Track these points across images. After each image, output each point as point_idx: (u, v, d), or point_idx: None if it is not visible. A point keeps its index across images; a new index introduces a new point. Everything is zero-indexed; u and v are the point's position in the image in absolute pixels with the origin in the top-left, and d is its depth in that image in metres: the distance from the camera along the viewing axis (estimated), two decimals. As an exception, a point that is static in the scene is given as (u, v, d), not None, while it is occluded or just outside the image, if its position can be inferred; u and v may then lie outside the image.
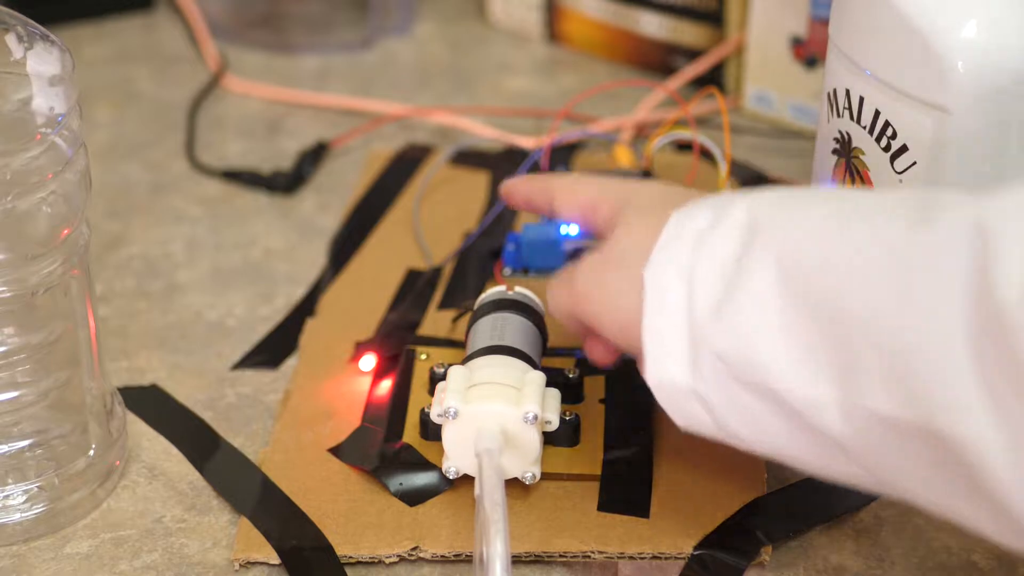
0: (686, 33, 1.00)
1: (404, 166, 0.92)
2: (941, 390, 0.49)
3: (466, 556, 0.64)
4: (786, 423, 0.55)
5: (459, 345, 0.74)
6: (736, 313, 0.55)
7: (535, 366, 0.68)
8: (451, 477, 0.66)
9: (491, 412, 0.64)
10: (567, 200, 0.66)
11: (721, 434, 0.58)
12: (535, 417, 0.64)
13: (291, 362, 0.77)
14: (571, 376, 0.71)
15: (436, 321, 0.78)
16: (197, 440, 0.72)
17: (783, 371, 0.54)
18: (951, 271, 0.49)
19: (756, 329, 0.54)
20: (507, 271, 0.82)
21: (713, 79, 0.99)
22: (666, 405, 0.59)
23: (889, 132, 0.64)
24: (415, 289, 0.81)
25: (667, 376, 0.57)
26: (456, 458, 0.66)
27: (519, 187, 0.70)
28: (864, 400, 0.51)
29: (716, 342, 0.55)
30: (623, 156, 0.89)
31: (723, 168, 0.81)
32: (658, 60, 1.02)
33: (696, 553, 0.63)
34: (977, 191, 0.51)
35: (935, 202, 0.52)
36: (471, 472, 0.65)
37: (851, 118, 0.66)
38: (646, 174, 0.87)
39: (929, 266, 0.50)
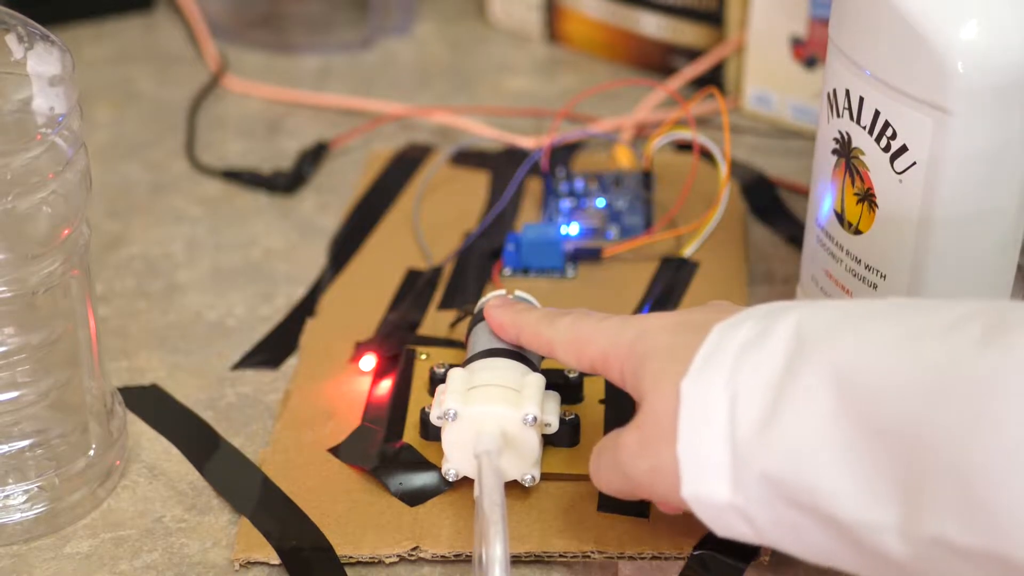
0: (686, 33, 1.00)
1: (404, 166, 0.92)
2: (1017, 518, 0.47)
3: (466, 556, 0.64)
4: (837, 542, 0.52)
5: (459, 345, 0.74)
6: (785, 431, 0.52)
7: (534, 368, 0.68)
8: (451, 479, 0.66)
9: (490, 414, 0.64)
10: (570, 355, 0.63)
11: (763, 543, 0.56)
12: (534, 419, 0.64)
13: (291, 362, 0.77)
14: (571, 377, 0.71)
15: (436, 321, 0.78)
16: (197, 440, 0.72)
17: (837, 494, 0.51)
18: None
19: (808, 449, 0.52)
20: (507, 271, 0.82)
21: (713, 79, 0.99)
22: (702, 516, 0.56)
23: (889, 132, 0.64)
24: (415, 289, 0.81)
25: (705, 491, 0.55)
26: (456, 460, 0.66)
27: (506, 327, 0.66)
28: (929, 526, 0.49)
29: (762, 460, 0.53)
30: (623, 156, 0.89)
31: (723, 168, 0.81)
32: (658, 60, 1.02)
33: (696, 553, 0.63)
34: None
35: (1009, 318, 0.50)
36: (470, 474, 0.65)
37: (851, 118, 0.66)
38: (646, 174, 0.87)
39: (1006, 388, 0.48)
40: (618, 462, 0.59)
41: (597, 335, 0.61)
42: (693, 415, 0.55)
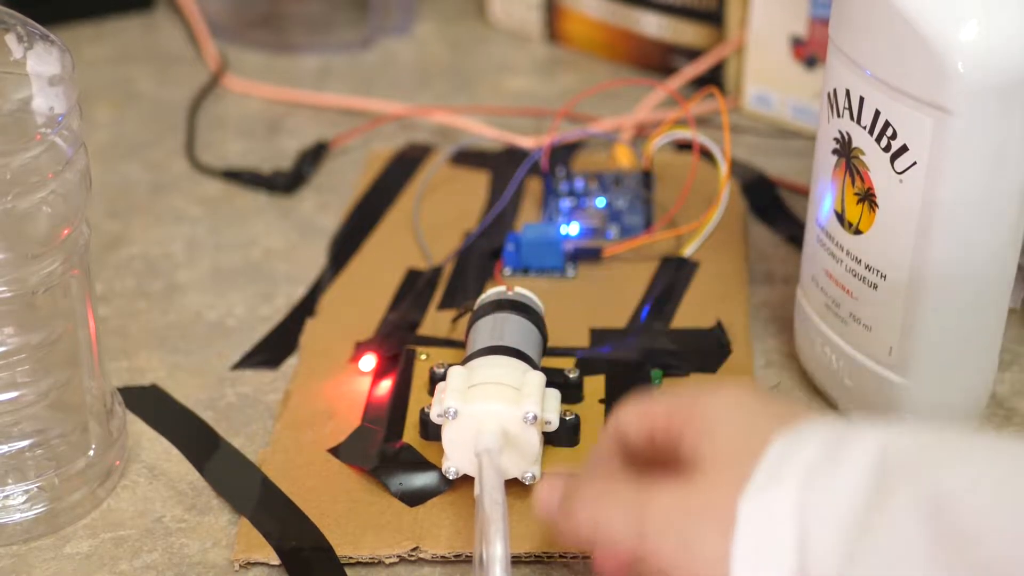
0: (686, 33, 1.00)
1: (404, 166, 0.92)
2: None
3: (466, 556, 0.64)
4: None
5: (459, 345, 0.74)
6: (869, 568, 0.46)
7: (535, 366, 0.68)
8: (451, 477, 0.66)
9: (491, 412, 0.64)
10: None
11: None
12: (535, 417, 0.64)
13: (291, 362, 0.77)
14: (571, 376, 0.71)
15: (436, 321, 0.78)
16: (197, 440, 0.72)
17: None
18: None
19: None
20: (507, 271, 0.82)
21: (713, 79, 0.99)
22: None
23: (889, 132, 0.64)
24: (415, 289, 0.81)
25: None
26: (456, 458, 0.66)
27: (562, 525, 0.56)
28: None
29: None
30: (623, 156, 0.89)
31: (723, 168, 0.81)
32: (658, 60, 1.02)
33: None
34: None
35: None
36: (471, 472, 0.65)
37: (851, 118, 0.66)
38: (646, 174, 0.87)
39: None
40: (643, 514, 0.51)
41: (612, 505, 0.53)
42: (751, 542, 0.48)
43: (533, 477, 0.65)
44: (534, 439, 0.65)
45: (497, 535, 0.57)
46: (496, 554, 0.56)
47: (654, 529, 0.51)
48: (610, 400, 0.71)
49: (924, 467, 0.47)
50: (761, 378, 0.75)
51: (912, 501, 0.46)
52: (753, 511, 0.49)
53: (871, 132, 0.65)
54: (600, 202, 0.86)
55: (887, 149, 0.65)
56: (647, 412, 0.55)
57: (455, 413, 0.64)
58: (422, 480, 0.67)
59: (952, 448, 0.48)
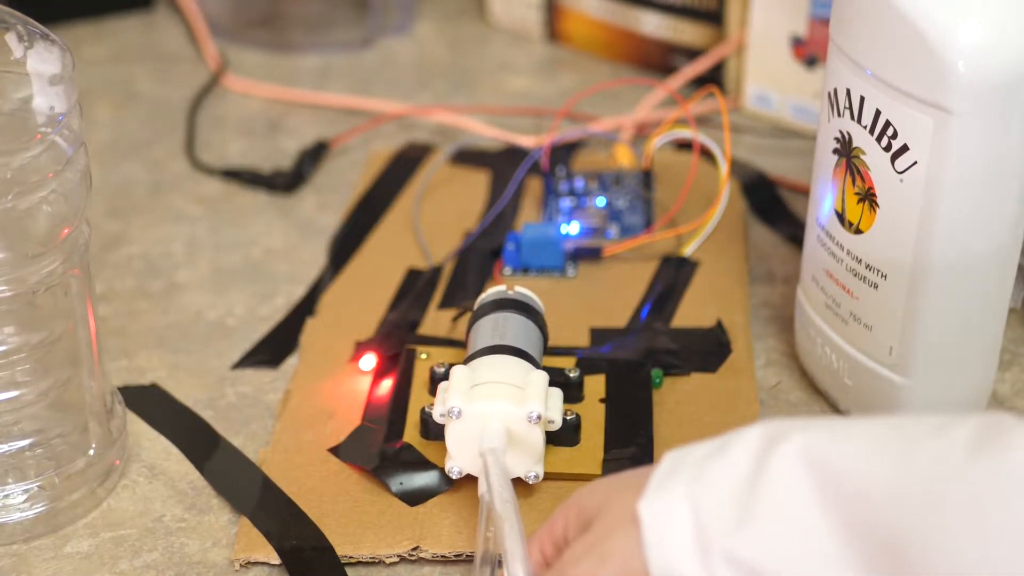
0: (686, 33, 1.00)
1: (404, 165, 0.92)
2: None
3: (467, 556, 0.64)
4: None
5: (459, 345, 0.74)
6: (760, 530, 0.51)
7: (537, 366, 0.68)
8: (454, 477, 0.66)
9: (495, 411, 0.64)
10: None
11: None
12: (539, 416, 0.64)
13: (291, 362, 0.77)
14: (572, 376, 0.71)
15: (436, 321, 0.78)
16: (197, 440, 0.72)
17: None
18: None
19: (785, 549, 0.51)
20: (507, 270, 0.82)
21: (713, 79, 0.98)
22: None
23: (890, 132, 0.64)
24: (415, 289, 0.81)
25: None
26: (459, 458, 0.65)
27: None
28: None
29: (740, 562, 0.51)
30: (623, 155, 0.89)
31: (723, 167, 0.81)
32: (658, 60, 1.02)
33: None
34: None
35: (1000, 424, 0.49)
36: (474, 472, 0.65)
37: (852, 118, 0.66)
38: (646, 173, 0.87)
39: (1010, 493, 0.47)
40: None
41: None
42: (655, 535, 0.53)
43: (536, 476, 0.65)
44: (538, 438, 0.65)
45: (512, 534, 0.56)
46: (514, 553, 0.56)
47: (572, 564, 0.55)
48: (610, 400, 0.71)
49: (797, 431, 0.52)
50: (761, 378, 0.75)
51: (789, 456, 0.51)
52: (649, 508, 0.53)
53: (871, 132, 0.65)
54: (600, 202, 0.86)
55: (887, 149, 0.65)
56: (547, 532, 0.58)
57: (459, 412, 0.64)
58: (422, 479, 0.67)
59: (821, 422, 0.53)
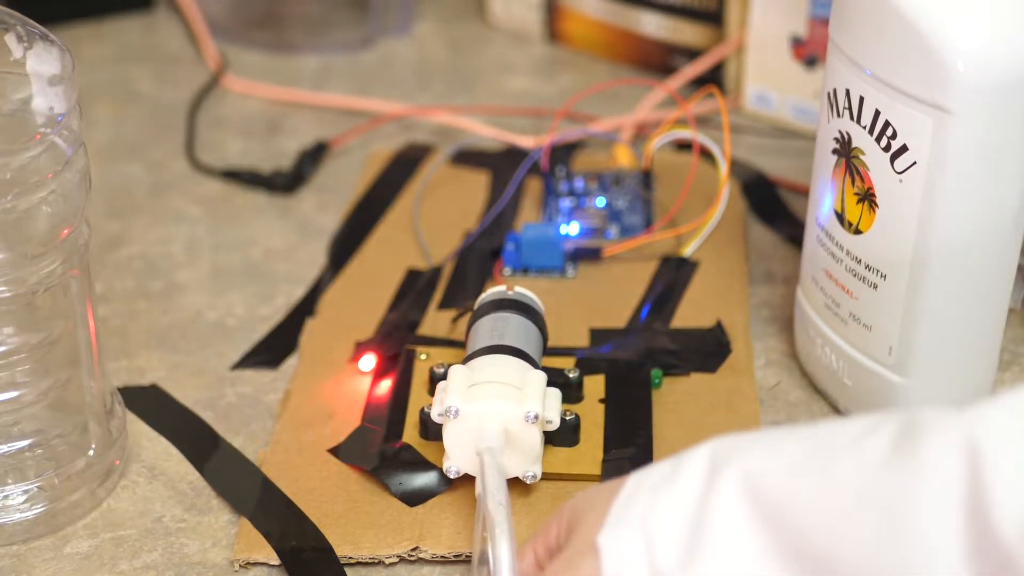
0: (686, 33, 1.00)
1: (404, 166, 0.92)
2: None
3: (466, 556, 0.64)
4: None
5: (459, 345, 0.74)
6: (707, 564, 0.52)
7: (535, 366, 0.68)
8: (452, 476, 0.66)
9: (493, 411, 0.64)
10: None
11: None
12: (536, 416, 0.64)
13: (291, 362, 0.77)
14: (571, 376, 0.71)
15: (436, 321, 0.78)
16: (197, 440, 0.72)
17: None
18: (944, 501, 0.47)
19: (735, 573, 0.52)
20: (507, 271, 0.82)
21: (713, 79, 0.98)
22: None
23: (889, 132, 0.64)
24: (415, 289, 0.81)
25: None
26: (457, 457, 0.65)
27: None
28: None
29: None
30: (623, 155, 0.89)
31: (723, 168, 0.81)
32: (658, 60, 1.02)
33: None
34: (960, 407, 0.49)
35: (918, 424, 0.49)
36: (472, 471, 0.65)
37: (851, 118, 0.66)
38: (646, 174, 0.87)
39: (919, 496, 0.48)
40: None
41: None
42: (611, 567, 0.54)
43: (534, 476, 0.65)
44: (535, 438, 0.65)
45: (502, 535, 0.57)
46: (502, 555, 0.56)
47: None
48: (610, 400, 0.71)
49: (739, 456, 0.53)
50: (761, 378, 0.75)
51: (730, 488, 0.52)
52: (608, 540, 0.54)
53: (871, 132, 0.65)
54: (600, 202, 0.86)
55: (887, 149, 0.65)
56: (542, 537, 0.59)
57: (456, 412, 0.64)
58: (422, 480, 0.67)
59: (765, 439, 0.54)
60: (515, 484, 0.66)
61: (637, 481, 0.56)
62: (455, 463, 0.66)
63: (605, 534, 0.55)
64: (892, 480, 0.49)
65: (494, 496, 0.59)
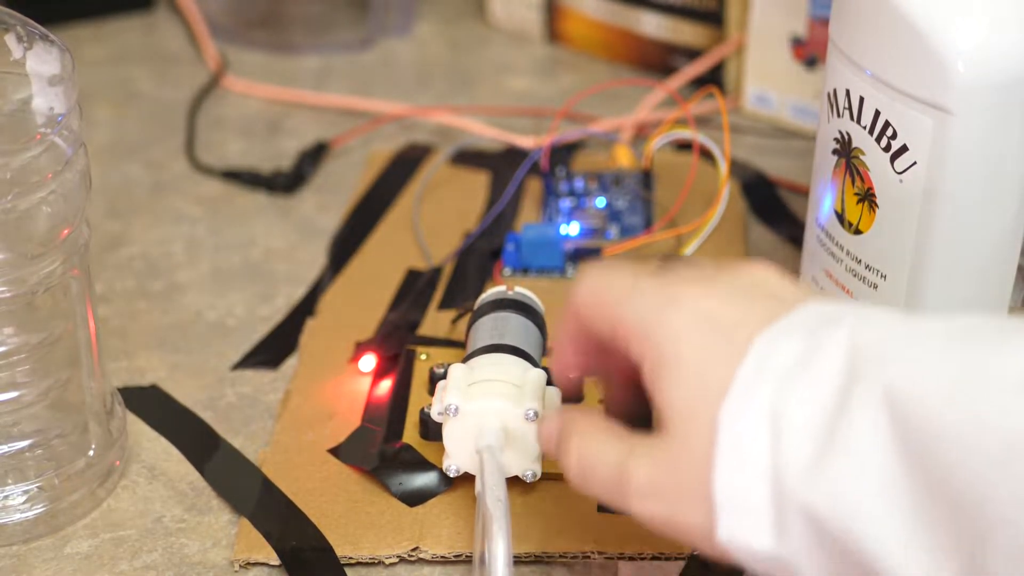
0: (686, 33, 1.00)
1: (404, 166, 0.92)
2: None
3: (466, 557, 0.64)
4: None
5: (459, 345, 0.74)
6: (835, 473, 0.47)
7: (536, 365, 0.68)
8: (452, 475, 0.66)
9: (492, 409, 0.64)
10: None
11: None
12: (536, 415, 0.64)
13: (291, 362, 0.77)
14: (571, 376, 0.71)
15: (436, 321, 0.78)
16: (197, 440, 0.72)
17: (891, 552, 0.46)
18: None
19: (859, 497, 0.46)
20: (507, 271, 0.82)
21: (713, 79, 0.99)
22: (741, 560, 0.50)
23: (889, 132, 0.64)
24: (415, 289, 0.81)
25: (743, 539, 0.49)
26: (457, 456, 0.66)
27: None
28: None
29: (810, 504, 0.47)
30: (623, 156, 0.89)
31: (723, 168, 0.81)
32: (658, 60, 1.02)
33: (696, 553, 0.63)
34: None
35: None
36: (472, 470, 0.65)
37: (851, 118, 0.66)
38: (646, 174, 0.87)
39: None
40: (623, 494, 0.52)
41: (622, 300, 0.54)
42: (731, 454, 0.49)
43: (534, 475, 0.65)
44: (535, 437, 0.65)
45: (500, 533, 0.57)
46: (499, 552, 0.56)
47: (638, 497, 0.52)
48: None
49: (882, 366, 0.47)
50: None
51: (871, 399, 0.46)
52: (730, 424, 0.49)
53: (871, 132, 0.65)
54: (600, 202, 0.86)
55: (887, 149, 0.65)
56: (604, 312, 0.55)
57: (456, 410, 0.64)
58: (422, 480, 0.67)
59: (907, 342, 0.48)
60: (515, 484, 0.66)
61: (762, 353, 0.49)
62: (455, 462, 0.66)
63: (726, 417, 0.48)
64: None
65: (493, 493, 0.59)
